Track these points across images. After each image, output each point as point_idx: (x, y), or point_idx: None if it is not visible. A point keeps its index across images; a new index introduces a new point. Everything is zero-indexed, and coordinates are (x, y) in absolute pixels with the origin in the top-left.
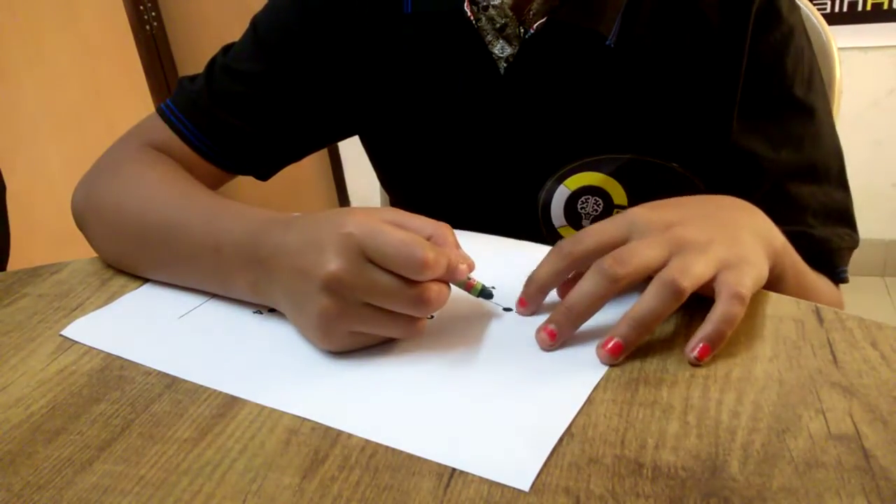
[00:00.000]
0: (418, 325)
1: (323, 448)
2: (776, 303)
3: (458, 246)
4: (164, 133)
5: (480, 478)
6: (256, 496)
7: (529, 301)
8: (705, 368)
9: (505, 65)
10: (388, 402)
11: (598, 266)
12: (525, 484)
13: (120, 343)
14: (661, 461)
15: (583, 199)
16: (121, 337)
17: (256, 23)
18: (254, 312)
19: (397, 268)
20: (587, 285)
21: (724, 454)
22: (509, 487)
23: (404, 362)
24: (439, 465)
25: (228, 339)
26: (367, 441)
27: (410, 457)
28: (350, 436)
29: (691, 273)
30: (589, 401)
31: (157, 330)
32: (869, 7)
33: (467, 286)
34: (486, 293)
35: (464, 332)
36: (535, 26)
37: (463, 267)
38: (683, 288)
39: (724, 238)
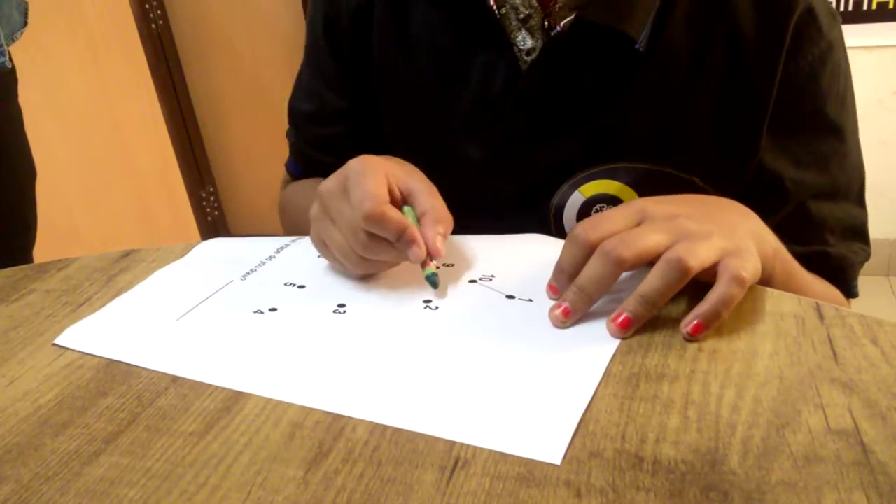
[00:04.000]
0: (360, 265)
1: (327, 441)
2: (777, 299)
3: (443, 235)
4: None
5: (483, 470)
6: (261, 488)
7: (561, 288)
8: (705, 364)
9: (526, 58)
10: (399, 387)
11: (604, 249)
12: (557, 457)
13: (119, 347)
14: (662, 455)
15: (597, 206)
16: (119, 340)
17: (305, 53)
18: (254, 312)
19: (352, 206)
20: (594, 267)
21: (723, 448)
22: (510, 479)
23: (411, 348)
24: (442, 457)
25: (230, 337)
26: (370, 434)
27: (413, 450)
28: (354, 429)
29: (697, 254)
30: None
31: (156, 332)
32: (874, 6)
33: (422, 264)
34: (431, 281)
35: (470, 317)
36: (561, 24)
37: (416, 249)
38: (689, 266)
39: (724, 232)
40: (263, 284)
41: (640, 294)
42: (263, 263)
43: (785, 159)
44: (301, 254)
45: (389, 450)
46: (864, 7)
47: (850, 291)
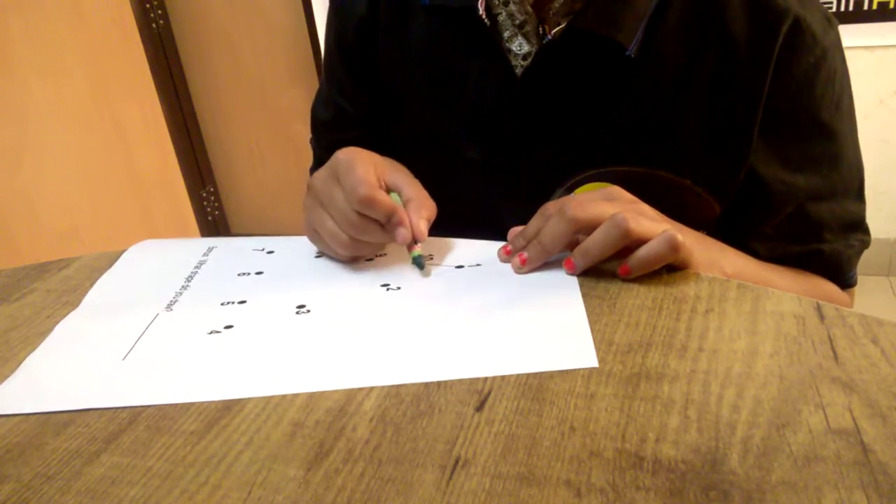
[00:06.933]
0: (349, 247)
1: (328, 441)
2: (778, 299)
3: (426, 220)
4: None
5: (483, 470)
6: (262, 488)
7: (515, 249)
8: (705, 364)
9: (523, 62)
10: (411, 346)
11: (563, 210)
12: (592, 361)
13: (71, 396)
14: (662, 455)
15: None
16: (66, 391)
17: (323, 64)
18: (208, 333)
19: (345, 191)
20: (551, 224)
21: (724, 448)
22: (510, 479)
23: (397, 317)
24: (442, 457)
25: (203, 357)
26: (370, 434)
27: (414, 449)
28: (354, 428)
29: (640, 222)
30: (590, 395)
31: (107, 373)
32: (875, 6)
33: (409, 247)
34: (418, 262)
35: (433, 286)
36: (553, 33)
37: (403, 231)
38: (629, 227)
39: (674, 229)
40: (208, 296)
41: (582, 245)
42: (197, 269)
43: (778, 164)
44: (233, 257)
45: (390, 449)
46: (865, 7)
47: (846, 283)
